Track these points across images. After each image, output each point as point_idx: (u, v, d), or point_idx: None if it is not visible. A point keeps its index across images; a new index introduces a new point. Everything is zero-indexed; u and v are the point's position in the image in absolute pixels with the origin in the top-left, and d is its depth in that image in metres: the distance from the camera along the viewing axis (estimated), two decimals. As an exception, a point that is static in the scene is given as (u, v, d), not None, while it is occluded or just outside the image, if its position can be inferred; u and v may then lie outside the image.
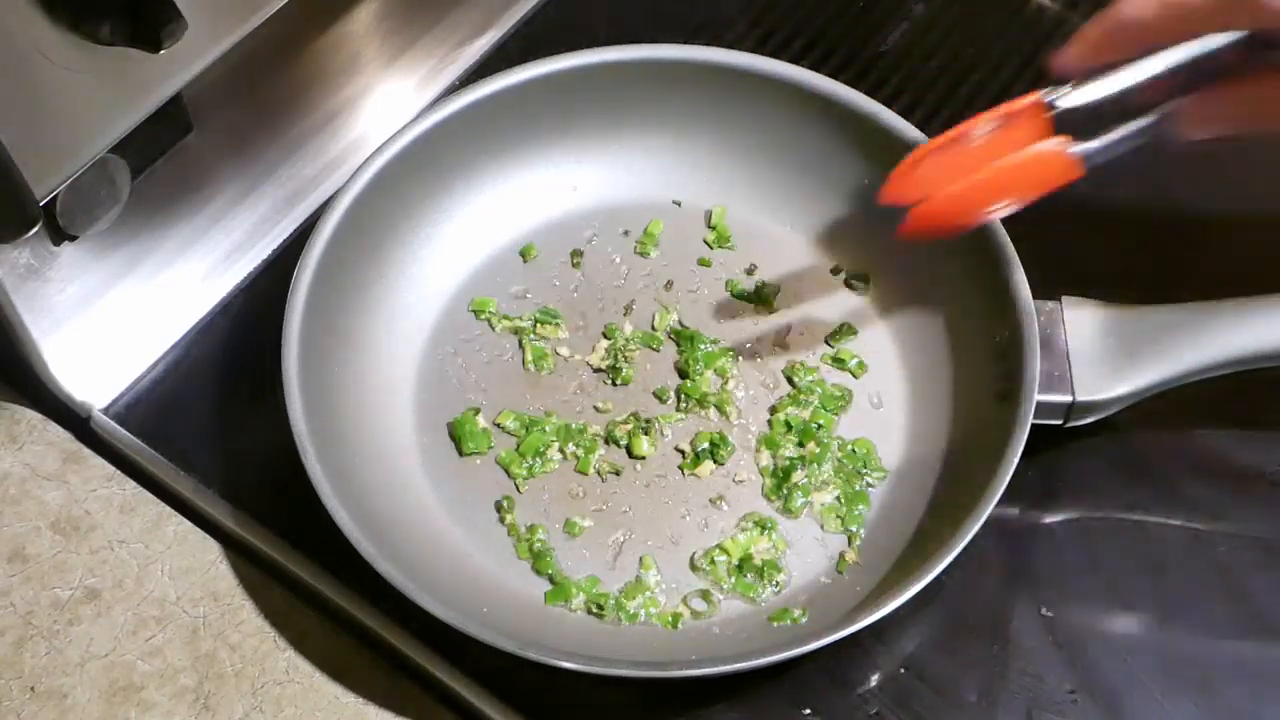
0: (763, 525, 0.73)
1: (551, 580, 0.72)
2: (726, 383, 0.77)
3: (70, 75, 0.62)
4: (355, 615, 0.71)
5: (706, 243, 0.82)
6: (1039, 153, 0.64)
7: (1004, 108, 0.66)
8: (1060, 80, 0.65)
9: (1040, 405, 0.70)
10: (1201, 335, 0.72)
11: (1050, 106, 0.65)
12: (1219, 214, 0.82)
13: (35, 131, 0.62)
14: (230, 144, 0.80)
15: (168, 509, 0.75)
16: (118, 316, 0.77)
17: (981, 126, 0.66)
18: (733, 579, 0.72)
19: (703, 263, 0.81)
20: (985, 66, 0.89)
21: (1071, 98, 0.64)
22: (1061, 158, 0.64)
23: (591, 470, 0.75)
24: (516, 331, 0.78)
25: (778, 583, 0.72)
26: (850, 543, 0.73)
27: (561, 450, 0.75)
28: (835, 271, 0.80)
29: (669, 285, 0.81)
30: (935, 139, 0.68)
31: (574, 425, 0.75)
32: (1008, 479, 0.67)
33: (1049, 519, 0.74)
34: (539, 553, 0.72)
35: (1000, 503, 0.67)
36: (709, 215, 0.82)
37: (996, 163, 0.65)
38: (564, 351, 0.78)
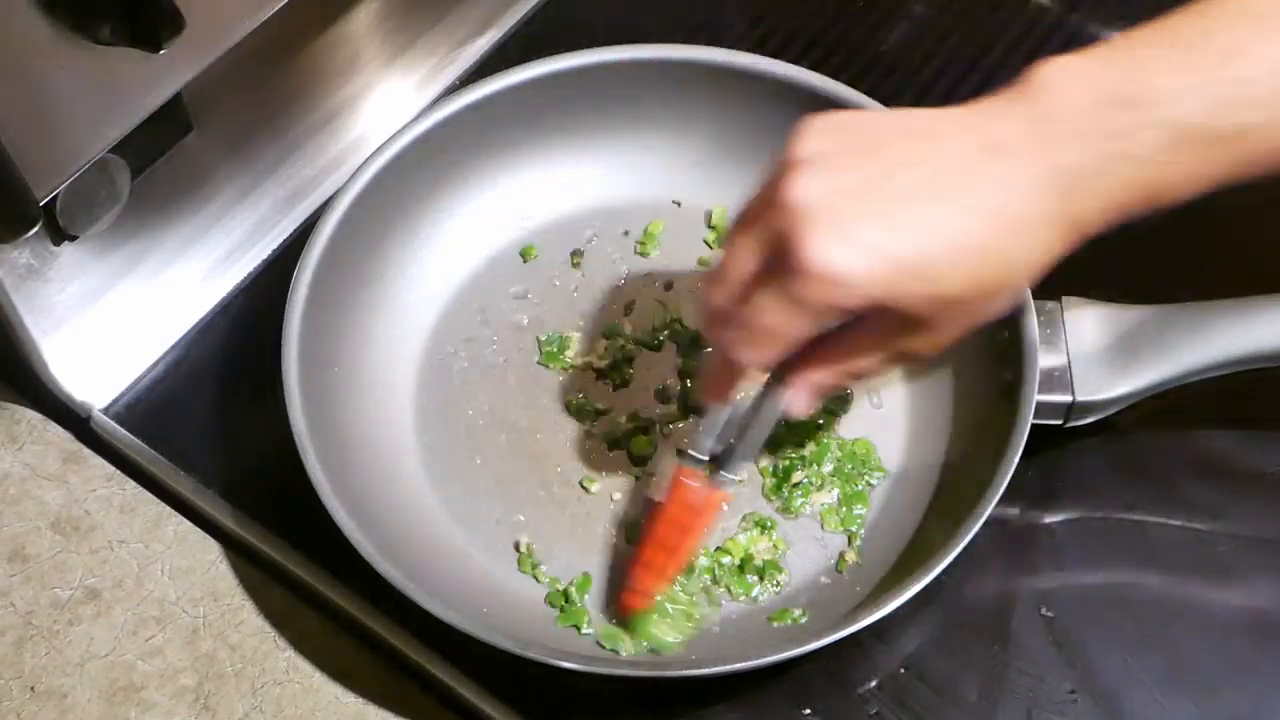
0: (763, 525, 0.73)
1: (564, 609, 0.72)
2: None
3: (70, 75, 0.62)
4: (355, 615, 0.71)
5: (707, 243, 0.82)
6: (684, 495, 0.70)
7: (672, 500, 0.70)
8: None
9: (1040, 405, 0.70)
10: (1201, 335, 0.72)
11: (690, 461, 0.69)
12: (1220, 213, 0.81)
13: (35, 131, 0.62)
14: (230, 144, 0.80)
15: (168, 509, 0.75)
16: (118, 316, 0.78)
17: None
18: (735, 579, 0.72)
19: (703, 263, 0.81)
20: (985, 67, 0.89)
21: (698, 446, 0.69)
22: (701, 491, 0.70)
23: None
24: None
25: (778, 583, 0.72)
26: (850, 543, 0.73)
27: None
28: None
29: (669, 285, 0.81)
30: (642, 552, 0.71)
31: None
32: (1008, 479, 0.67)
33: (1049, 519, 0.74)
34: (545, 577, 0.72)
35: (1000, 503, 0.67)
36: (709, 215, 0.82)
37: (661, 523, 0.70)
38: (566, 354, 0.78)
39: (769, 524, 0.73)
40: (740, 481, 0.71)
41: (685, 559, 0.71)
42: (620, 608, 0.71)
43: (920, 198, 0.58)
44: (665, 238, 0.82)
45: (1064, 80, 0.59)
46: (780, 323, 0.60)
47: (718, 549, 0.72)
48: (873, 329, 0.62)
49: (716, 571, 0.72)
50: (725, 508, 0.71)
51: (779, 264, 0.59)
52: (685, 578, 0.71)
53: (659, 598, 0.70)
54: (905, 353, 0.63)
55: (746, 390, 0.68)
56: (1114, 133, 0.58)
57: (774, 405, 0.66)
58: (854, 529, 0.73)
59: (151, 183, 0.74)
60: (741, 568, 0.72)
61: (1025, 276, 0.61)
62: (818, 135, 0.60)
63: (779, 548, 0.73)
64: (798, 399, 0.65)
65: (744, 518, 0.73)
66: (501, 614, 0.69)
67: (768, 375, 0.66)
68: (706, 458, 0.69)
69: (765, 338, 0.61)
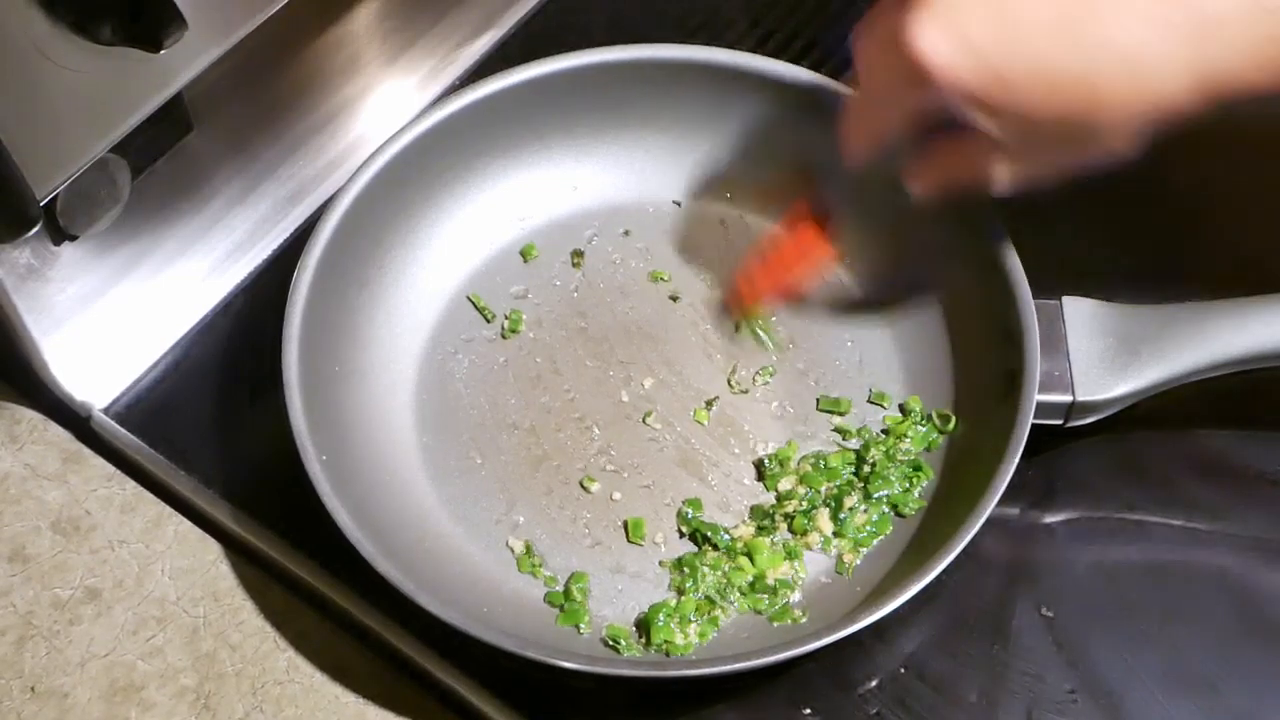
0: (791, 553, 0.72)
1: (564, 608, 0.71)
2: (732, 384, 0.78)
3: (70, 75, 0.62)
4: (355, 615, 0.71)
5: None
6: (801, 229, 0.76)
7: (785, 220, 0.77)
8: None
9: (1040, 405, 0.70)
10: (1201, 335, 0.72)
11: (818, 202, 0.75)
12: (1219, 212, 0.82)
13: (35, 131, 0.62)
14: (230, 144, 0.80)
15: (168, 509, 0.75)
16: (118, 316, 0.77)
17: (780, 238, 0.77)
18: (746, 597, 0.71)
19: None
20: (985, 66, 0.89)
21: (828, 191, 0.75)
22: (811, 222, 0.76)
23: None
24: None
25: (785, 597, 0.71)
26: (853, 546, 0.73)
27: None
28: (835, 271, 0.81)
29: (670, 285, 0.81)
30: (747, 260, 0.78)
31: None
32: (1008, 479, 0.67)
33: (1049, 519, 0.74)
34: (548, 577, 0.72)
35: (1000, 503, 0.67)
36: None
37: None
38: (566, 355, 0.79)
39: (795, 552, 0.72)
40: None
41: (779, 286, 0.77)
42: (726, 307, 0.79)
43: (1041, 15, 0.59)
44: (665, 238, 0.82)
45: None
46: (885, 89, 0.65)
47: (736, 556, 0.72)
48: (975, 139, 0.64)
49: (725, 583, 0.72)
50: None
51: (896, 36, 0.61)
52: (693, 581, 0.71)
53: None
54: (1006, 170, 0.66)
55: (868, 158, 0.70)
56: None
57: (889, 169, 0.70)
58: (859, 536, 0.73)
59: (151, 183, 0.74)
60: (754, 586, 0.72)
61: (1126, 119, 0.61)
62: None
63: (800, 573, 0.72)
64: (915, 174, 0.70)
65: (773, 540, 0.73)
66: (501, 614, 0.69)
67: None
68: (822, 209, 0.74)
69: (875, 102, 0.66)
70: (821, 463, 0.74)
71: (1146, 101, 0.60)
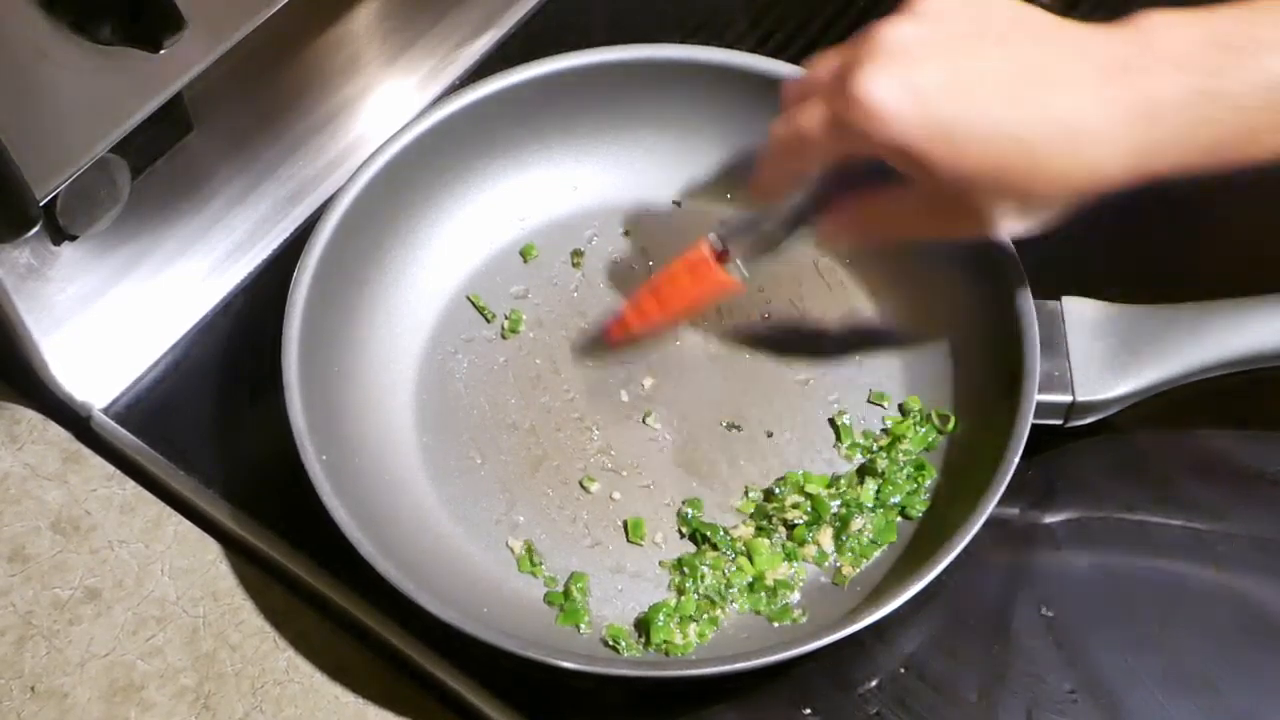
0: (790, 554, 0.72)
1: (564, 608, 0.71)
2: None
3: (70, 75, 0.62)
4: (355, 615, 0.71)
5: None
6: (693, 261, 0.73)
7: (684, 259, 0.74)
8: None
9: (1040, 405, 0.70)
10: (1201, 335, 0.72)
11: (718, 246, 0.73)
12: (1219, 213, 0.82)
13: (35, 131, 0.62)
14: (230, 144, 0.80)
15: (168, 509, 0.75)
16: (118, 316, 0.77)
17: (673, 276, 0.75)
18: (744, 595, 0.71)
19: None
20: (985, 66, 0.89)
21: (730, 229, 0.72)
22: (713, 268, 0.73)
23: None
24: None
25: (784, 597, 0.71)
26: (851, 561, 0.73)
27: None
28: (835, 271, 0.80)
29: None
30: (640, 291, 0.76)
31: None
32: (1008, 479, 0.67)
33: (1049, 519, 0.74)
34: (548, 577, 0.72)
35: (1000, 503, 0.67)
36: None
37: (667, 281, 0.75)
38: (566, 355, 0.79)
39: (794, 554, 0.72)
40: (746, 279, 0.73)
41: (668, 317, 0.76)
42: (604, 334, 0.77)
43: (993, 79, 0.60)
44: (665, 238, 0.82)
45: (1171, 22, 0.60)
46: (816, 134, 0.63)
47: (736, 556, 0.72)
48: (909, 190, 0.64)
49: (724, 583, 0.71)
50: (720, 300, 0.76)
51: (839, 83, 0.61)
52: (693, 581, 0.71)
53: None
54: (936, 230, 0.66)
55: (785, 200, 0.70)
56: (1213, 70, 0.59)
57: (796, 216, 0.70)
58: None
59: (151, 183, 0.74)
60: (753, 586, 0.71)
61: (1060, 189, 0.61)
62: None
63: (800, 575, 0.72)
64: (826, 225, 0.69)
65: (772, 541, 0.73)
66: (501, 614, 0.69)
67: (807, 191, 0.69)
68: (720, 245, 0.72)
69: (802, 145, 0.64)
70: (836, 486, 0.73)
71: (1083, 174, 0.61)
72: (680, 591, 0.71)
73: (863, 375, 0.78)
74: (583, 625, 0.70)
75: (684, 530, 0.73)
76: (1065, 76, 0.60)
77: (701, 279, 0.73)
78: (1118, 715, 0.69)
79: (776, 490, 0.73)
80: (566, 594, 0.71)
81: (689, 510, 0.74)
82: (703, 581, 0.71)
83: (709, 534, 0.72)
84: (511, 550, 0.73)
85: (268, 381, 0.71)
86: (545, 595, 0.72)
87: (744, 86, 0.80)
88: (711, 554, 0.72)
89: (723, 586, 0.71)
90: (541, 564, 0.72)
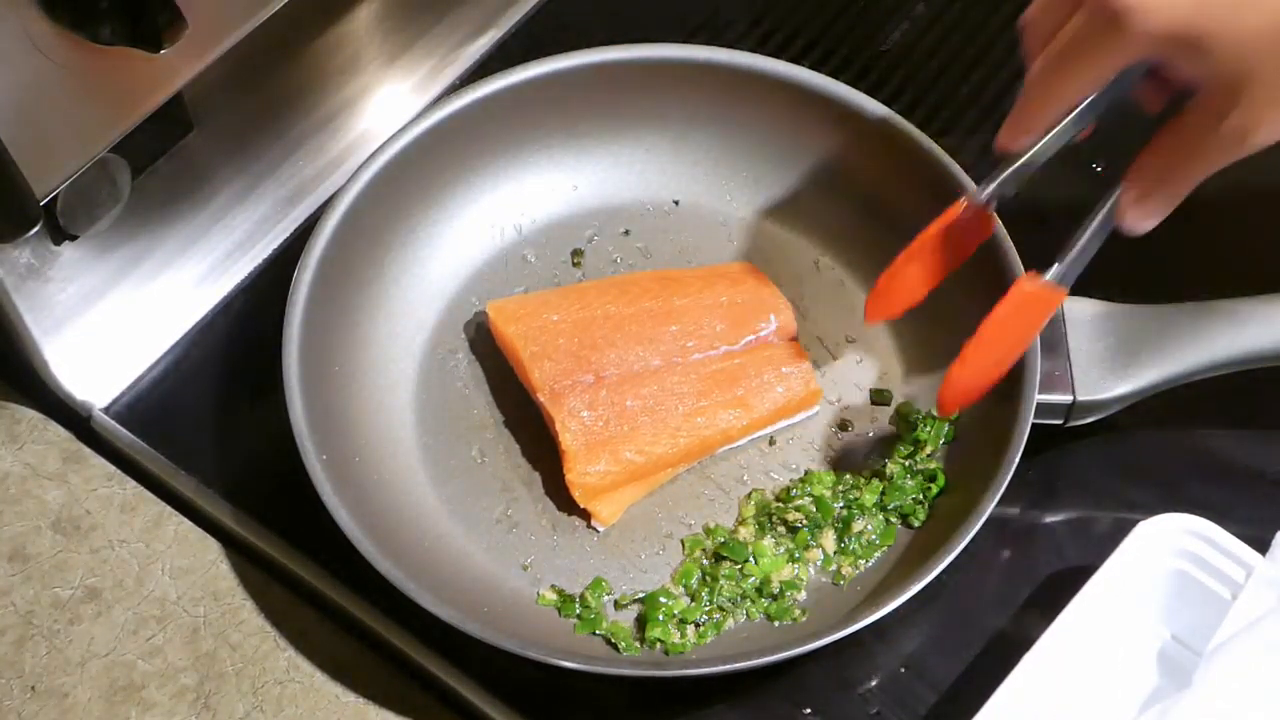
0: (793, 556, 0.72)
1: (563, 608, 0.71)
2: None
3: (70, 75, 0.62)
4: (355, 615, 0.71)
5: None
6: (1021, 296, 0.67)
7: (942, 219, 0.70)
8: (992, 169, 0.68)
9: (1040, 405, 0.70)
10: (1201, 335, 0.72)
11: (984, 202, 0.69)
12: (1219, 213, 0.82)
13: (35, 131, 0.62)
14: (230, 144, 0.80)
15: (168, 508, 0.75)
16: (118, 316, 0.78)
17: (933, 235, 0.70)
18: (752, 602, 0.71)
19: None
20: (985, 66, 0.89)
21: (997, 184, 0.68)
22: (1042, 291, 0.67)
23: None
24: None
25: (790, 598, 0.71)
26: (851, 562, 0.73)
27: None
28: (835, 270, 0.81)
29: (669, 285, 0.81)
30: (896, 260, 0.71)
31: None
32: (1008, 479, 0.67)
33: (1049, 519, 0.74)
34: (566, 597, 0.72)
35: (1000, 503, 0.67)
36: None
37: (988, 321, 0.68)
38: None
39: (799, 557, 0.72)
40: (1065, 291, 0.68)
41: (1010, 361, 0.69)
42: (939, 405, 0.70)
43: None
44: (665, 238, 0.82)
45: None
46: (1082, 47, 0.60)
47: (744, 561, 0.72)
48: (1194, 110, 0.60)
49: (739, 594, 0.71)
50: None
51: None
52: (709, 591, 0.71)
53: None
54: (1233, 138, 0.60)
55: (1039, 140, 0.65)
56: None
57: (1109, 217, 0.65)
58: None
59: (151, 183, 0.74)
60: (760, 590, 0.71)
61: None
62: None
63: (803, 577, 0.72)
64: (1131, 192, 0.65)
65: (775, 542, 0.73)
66: (501, 614, 0.69)
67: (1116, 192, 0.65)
68: (1052, 278, 0.67)
69: (1066, 66, 0.61)
70: (843, 485, 0.73)
71: None
72: (693, 597, 0.71)
73: (863, 375, 0.78)
74: (600, 631, 0.70)
75: (705, 549, 0.73)
76: None
77: (1035, 308, 0.68)
78: (1118, 715, 0.69)
79: (793, 491, 0.73)
80: (581, 601, 0.71)
81: (708, 539, 0.73)
82: (720, 594, 0.71)
83: (728, 555, 0.71)
84: (512, 550, 0.73)
85: (268, 381, 0.71)
86: (559, 609, 0.71)
87: (744, 86, 0.80)
88: (729, 566, 0.72)
89: (738, 596, 0.71)
90: (574, 605, 0.71)
